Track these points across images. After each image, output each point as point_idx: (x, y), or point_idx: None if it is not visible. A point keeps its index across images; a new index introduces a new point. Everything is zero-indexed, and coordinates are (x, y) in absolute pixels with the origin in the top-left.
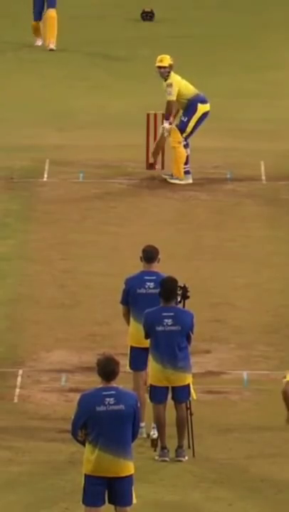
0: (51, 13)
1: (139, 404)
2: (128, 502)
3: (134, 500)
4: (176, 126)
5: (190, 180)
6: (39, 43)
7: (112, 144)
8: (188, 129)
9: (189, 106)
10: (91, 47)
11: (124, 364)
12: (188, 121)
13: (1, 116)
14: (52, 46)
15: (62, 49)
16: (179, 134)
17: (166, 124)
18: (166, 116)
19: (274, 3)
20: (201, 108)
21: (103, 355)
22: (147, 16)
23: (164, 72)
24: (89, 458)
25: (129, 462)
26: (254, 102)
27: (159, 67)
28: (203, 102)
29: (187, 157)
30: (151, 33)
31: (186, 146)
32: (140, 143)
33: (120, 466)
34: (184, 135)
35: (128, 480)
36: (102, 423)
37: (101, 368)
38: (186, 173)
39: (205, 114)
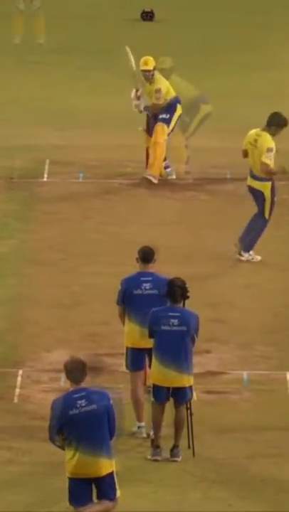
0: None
1: (112, 402)
2: (111, 497)
3: (118, 494)
4: (161, 123)
5: (174, 176)
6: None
7: (112, 144)
8: (172, 126)
9: (169, 106)
10: (91, 47)
11: (122, 364)
12: (171, 118)
13: (1, 116)
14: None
15: (63, 49)
16: (166, 133)
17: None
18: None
19: (274, 3)
20: (179, 109)
21: (70, 358)
22: (147, 16)
23: (149, 75)
24: (70, 461)
25: (109, 461)
26: (254, 102)
27: (144, 71)
28: (181, 103)
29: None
30: (151, 33)
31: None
32: (140, 143)
33: (101, 466)
34: (168, 131)
35: (109, 478)
36: (77, 426)
37: (69, 372)
38: (166, 167)
39: (180, 116)
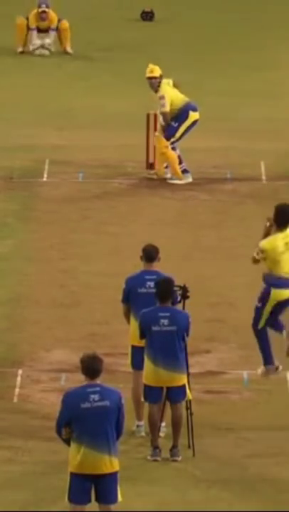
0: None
1: (123, 401)
2: (112, 500)
3: (120, 498)
4: (165, 131)
5: (190, 179)
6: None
7: (112, 144)
8: (177, 135)
9: (181, 113)
10: (91, 47)
11: (124, 364)
12: (179, 126)
13: (1, 116)
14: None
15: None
16: (164, 140)
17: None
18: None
19: (273, 3)
20: (192, 116)
21: (87, 353)
22: (147, 16)
23: (155, 83)
24: (74, 455)
25: (114, 459)
26: (254, 102)
27: (150, 78)
28: (194, 109)
29: (179, 157)
30: (151, 33)
31: (173, 148)
32: (140, 143)
33: (105, 463)
34: (172, 139)
35: (113, 477)
36: (87, 420)
37: (85, 366)
38: (185, 172)
39: (195, 122)
